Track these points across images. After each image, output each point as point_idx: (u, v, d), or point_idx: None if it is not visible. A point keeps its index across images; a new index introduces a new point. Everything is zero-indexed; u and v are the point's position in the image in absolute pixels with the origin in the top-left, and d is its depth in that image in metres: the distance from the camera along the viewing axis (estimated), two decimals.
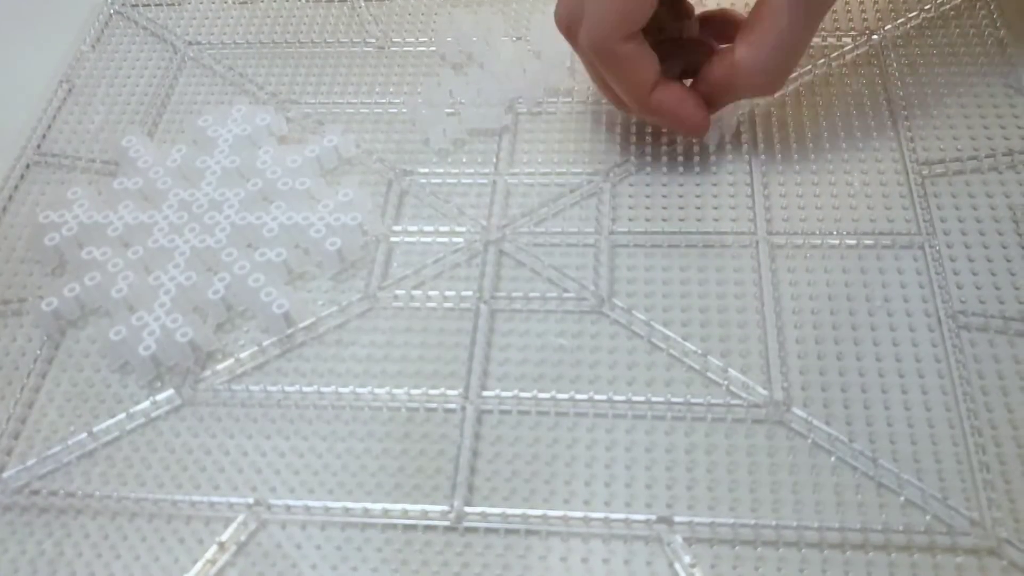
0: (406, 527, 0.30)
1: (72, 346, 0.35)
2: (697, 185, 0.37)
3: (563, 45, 0.40)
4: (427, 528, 0.30)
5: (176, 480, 0.31)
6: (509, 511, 0.30)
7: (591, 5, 0.32)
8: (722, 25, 0.37)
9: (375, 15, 0.46)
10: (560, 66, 0.41)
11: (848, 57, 0.41)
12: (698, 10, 0.37)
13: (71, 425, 0.33)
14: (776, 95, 0.36)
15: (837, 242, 0.35)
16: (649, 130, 0.39)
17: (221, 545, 0.30)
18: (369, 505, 0.30)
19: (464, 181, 0.39)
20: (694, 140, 0.38)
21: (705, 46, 0.36)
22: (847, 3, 0.43)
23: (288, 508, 0.30)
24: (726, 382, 0.32)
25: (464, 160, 0.39)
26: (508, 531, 0.29)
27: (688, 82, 0.36)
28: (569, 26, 0.34)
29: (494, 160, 0.39)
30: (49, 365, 0.35)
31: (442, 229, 0.37)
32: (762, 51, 0.33)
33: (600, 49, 0.33)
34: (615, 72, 0.34)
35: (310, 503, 0.30)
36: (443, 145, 0.40)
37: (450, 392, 0.32)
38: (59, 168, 0.41)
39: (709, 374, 0.32)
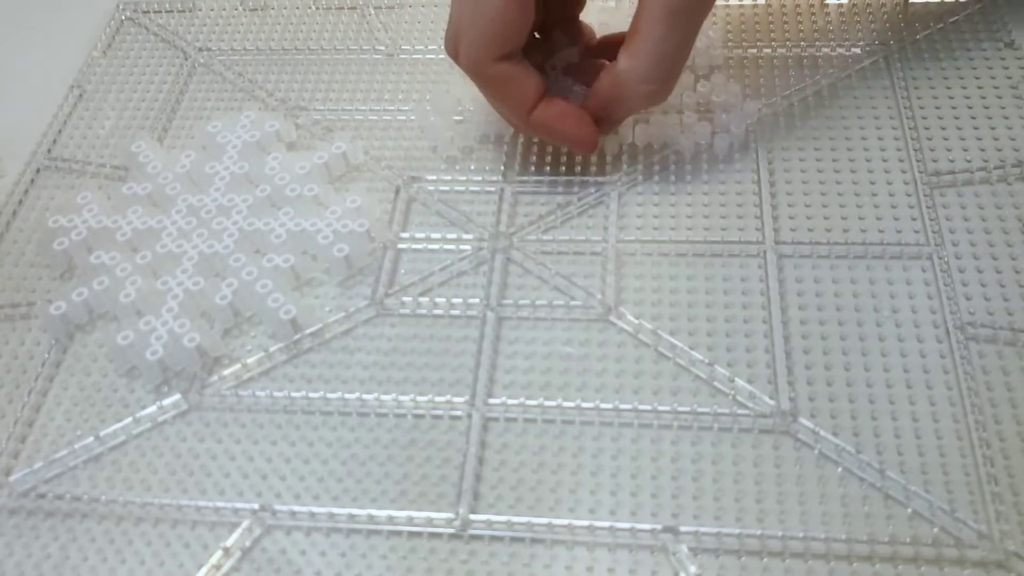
0: (411, 534, 0.30)
1: (80, 350, 0.35)
2: (705, 194, 0.37)
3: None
4: (432, 536, 0.30)
5: (182, 485, 0.31)
6: (514, 519, 0.30)
7: (465, 27, 0.33)
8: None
9: (384, 22, 0.46)
10: None
11: (857, 67, 0.41)
12: (601, 34, 0.38)
13: (78, 429, 0.33)
14: (663, 102, 0.35)
15: (845, 252, 0.35)
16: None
17: (226, 551, 0.30)
18: (374, 512, 0.30)
19: (472, 188, 0.39)
20: (701, 148, 0.38)
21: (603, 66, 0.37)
22: (856, 13, 0.43)
23: (293, 514, 0.30)
24: (733, 392, 0.32)
25: (472, 167, 0.39)
26: (513, 539, 0.29)
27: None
28: (455, 49, 0.34)
29: (502, 168, 0.39)
30: (57, 369, 0.35)
31: (449, 236, 0.37)
32: (642, 61, 0.33)
33: (476, 70, 0.34)
34: (493, 92, 0.34)
35: (315, 509, 0.30)
36: (451, 152, 0.40)
37: (456, 399, 0.32)
38: (69, 173, 0.41)
39: (716, 383, 0.32)
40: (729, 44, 0.42)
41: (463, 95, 0.41)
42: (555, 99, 0.35)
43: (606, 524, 0.29)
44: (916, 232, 0.35)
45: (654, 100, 0.35)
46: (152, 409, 0.33)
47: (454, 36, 0.34)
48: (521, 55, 0.34)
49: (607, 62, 0.35)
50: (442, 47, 0.44)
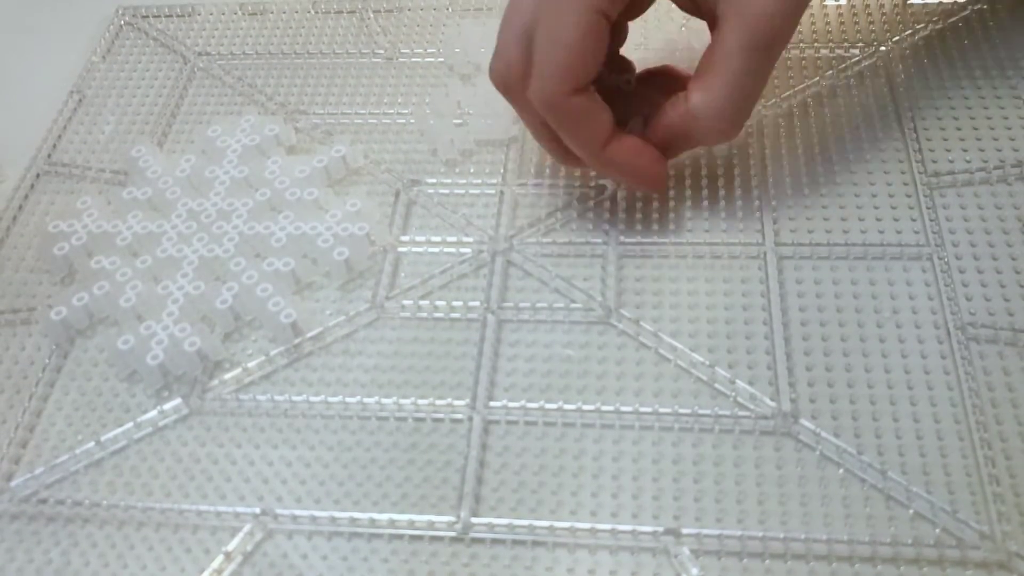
0: (412, 538, 0.30)
1: (80, 355, 0.35)
2: (705, 196, 0.37)
3: None
4: (433, 539, 0.29)
5: (183, 489, 0.31)
6: (516, 522, 0.29)
7: (539, 59, 0.31)
8: (665, 81, 0.35)
9: (383, 26, 0.46)
10: None
11: (856, 68, 0.41)
12: (639, 68, 0.37)
13: (79, 434, 0.33)
14: (737, 137, 0.34)
15: (845, 253, 0.35)
16: None
17: (227, 555, 0.30)
18: (375, 515, 0.30)
19: (472, 191, 0.39)
20: (700, 150, 0.38)
21: (653, 99, 0.35)
22: (855, 15, 0.43)
23: (294, 518, 0.30)
24: (734, 393, 0.32)
25: (472, 170, 0.39)
26: (515, 542, 0.29)
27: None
28: (507, 83, 0.33)
29: (501, 170, 0.39)
30: (57, 374, 0.35)
31: (449, 239, 0.37)
32: (717, 96, 0.31)
33: (552, 104, 0.32)
34: (568, 127, 0.33)
35: (316, 513, 0.30)
36: (451, 155, 0.40)
37: (457, 402, 0.32)
38: (69, 178, 0.41)
39: (717, 385, 0.32)
40: None
41: (462, 98, 0.41)
42: (627, 135, 0.33)
43: (608, 527, 0.29)
44: (916, 233, 0.35)
45: (723, 138, 0.33)
46: (153, 414, 0.33)
47: (508, 70, 0.32)
48: (593, 88, 0.32)
49: (661, 98, 0.34)
50: (441, 50, 0.44)
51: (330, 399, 0.33)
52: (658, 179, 0.34)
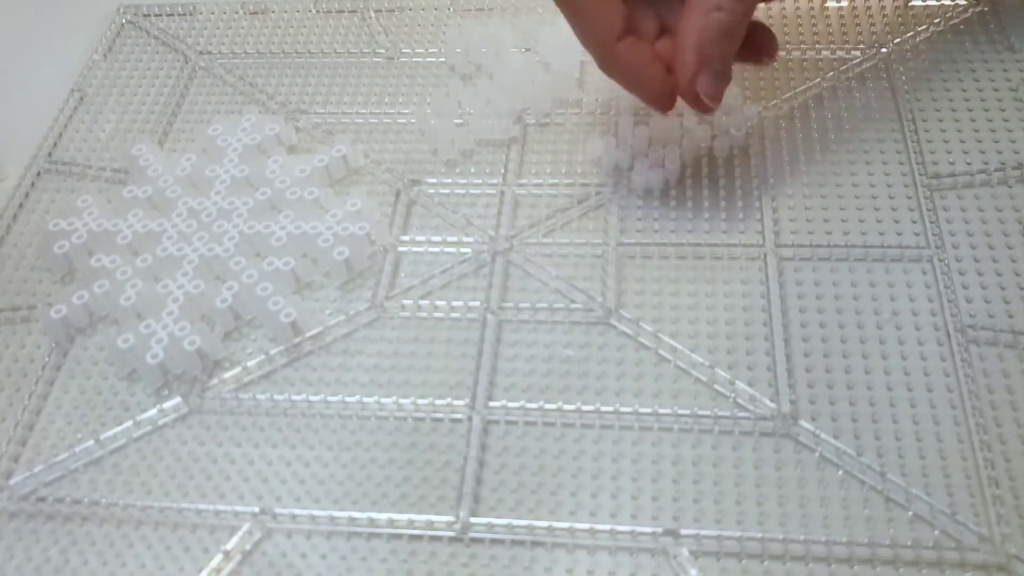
0: (411, 537, 0.30)
1: (80, 353, 0.35)
2: (705, 197, 0.37)
3: (572, 57, 0.40)
4: (432, 539, 0.29)
5: (182, 488, 0.31)
6: (515, 522, 0.29)
7: None
8: None
9: (385, 26, 0.46)
10: (569, 77, 0.41)
11: (857, 70, 0.41)
12: None
13: (78, 432, 0.33)
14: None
15: (845, 254, 0.35)
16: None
17: (226, 554, 0.30)
18: (374, 515, 0.30)
19: (472, 191, 0.39)
20: (702, 151, 0.38)
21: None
22: (856, 16, 0.43)
23: (293, 517, 0.30)
24: (733, 394, 0.32)
25: (472, 170, 0.39)
26: (514, 542, 0.29)
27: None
28: None
29: (502, 171, 0.39)
30: (57, 372, 0.35)
31: (450, 239, 0.37)
32: None
33: None
34: (578, 13, 0.32)
35: (315, 512, 0.30)
36: (451, 155, 0.40)
37: (456, 402, 0.32)
38: (69, 176, 0.41)
39: (716, 386, 0.32)
40: None
41: (463, 98, 0.41)
42: (645, 43, 0.33)
43: (607, 527, 0.29)
44: (916, 235, 0.35)
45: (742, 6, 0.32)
46: (152, 412, 0.33)
47: None
48: None
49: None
50: (442, 50, 0.44)
51: (330, 399, 0.33)
52: (665, 94, 0.33)
